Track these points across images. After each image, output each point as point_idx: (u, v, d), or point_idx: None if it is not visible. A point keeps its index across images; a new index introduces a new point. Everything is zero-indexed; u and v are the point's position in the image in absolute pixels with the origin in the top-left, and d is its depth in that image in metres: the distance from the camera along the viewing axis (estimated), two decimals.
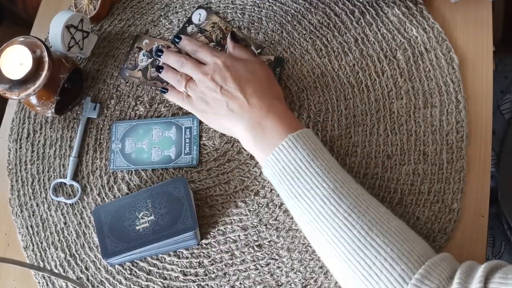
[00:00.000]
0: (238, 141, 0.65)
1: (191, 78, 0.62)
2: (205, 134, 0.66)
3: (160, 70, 0.67)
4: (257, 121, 0.55)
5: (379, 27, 0.65)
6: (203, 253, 0.61)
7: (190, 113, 0.67)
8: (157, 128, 0.68)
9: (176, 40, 0.67)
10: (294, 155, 0.51)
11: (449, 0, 0.63)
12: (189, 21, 0.72)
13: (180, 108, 0.68)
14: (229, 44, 0.66)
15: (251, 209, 0.62)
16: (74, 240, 0.66)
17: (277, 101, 0.58)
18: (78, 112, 0.72)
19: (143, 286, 0.62)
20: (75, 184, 0.68)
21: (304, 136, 0.53)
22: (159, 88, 0.68)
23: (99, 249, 0.61)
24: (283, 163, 0.52)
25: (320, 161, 0.51)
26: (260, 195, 0.62)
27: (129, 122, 0.69)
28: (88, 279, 0.64)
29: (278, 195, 0.61)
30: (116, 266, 0.63)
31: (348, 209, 0.48)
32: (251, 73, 0.59)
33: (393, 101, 0.62)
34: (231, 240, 0.61)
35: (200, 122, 0.67)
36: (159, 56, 0.67)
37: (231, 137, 0.65)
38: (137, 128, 0.68)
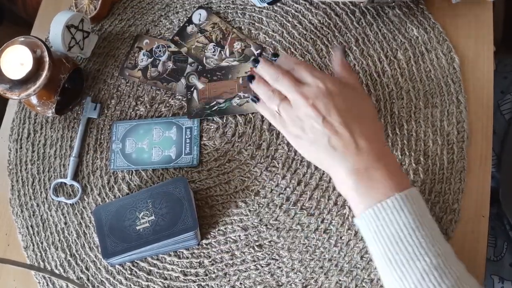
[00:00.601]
0: (239, 141, 0.65)
1: (285, 97, 0.53)
2: (205, 134, 0.66)
3: (252, 81, 0.57)
4: (364, 167, 0.49)
5: (379, 27, 0.65)
6: (204, 253, 0.61)
7: None
8: (158, 128, 0.68)
9: (273, 58, 0.58)
10: (398, 217, 0.46)
11: (450, 1, 0.63)
12: (189, 21, 0.72)
13: (181, 108, 0.68)
14: (336, 60, 0.56)
15: (252, 209, 0.62)
16: (75, 240, 0.66)
17: (387, 149, 0.52)
18: (79, 112, 0.72)
19: (144, 286, 0.62)
20: (75, 184, 0.68)
21: (411, 198, 0.47)
22: (250, 97, 0.59)
23: (100, 249, 0.61)
24: (383, 222, 0.47)
25: (425, 230, 0.46)
26: (261, 195, 0.62)
27: (129, 122, 0.69)
28: (88, 279, 0.63)
29: (279, 195, 0.61)
30: (117, 266, 0.63)
31: None
32: (359, 107, 0.52)
33: (393, 101, 0.62)
34: (231, 240, 0.61)
35: (201, 122, 0.67)
36: (255, 67, 0.57)
37: (232, 137, 0.65)
38: (137, 128, 0.68)
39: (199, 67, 0.70)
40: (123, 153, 0.68)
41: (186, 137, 0.66)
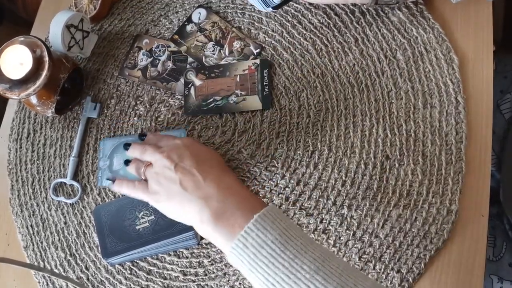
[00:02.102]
0: (238, 141, 0.65)
1: (151, 163, 0.57)
2: (204, 134, 0.66)
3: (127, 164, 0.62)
4: (216, 200, 0.50)
5: (379, 27, 0.65)
6: (203, 253, 0.62)
7: (179, 125, 0.67)
8: None
9: (142, 138, 0.63)
10: (264, 237, 0.46)
11: (450, 0, 0.63)
12: (189, 20, 0.72)
13: (180, 108, 0.68)
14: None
15: None
16: (74, 239, 0.66)
17: (236, 182, 0.54)
18: (78, 112, 0.72)
19: (143, 286, 0.62)
20: (75, 183, 0.68)
21: (272, 215, 0.47)
22: (109, 179, 0.63)
23: (99, 249, 0.61)
24: (252, 249, 0.46)
25: (295, 241, 0.46)
26: (260, 195, 0.62)
27: (117, 139, 0.67)
28: (88, 279, 0.64)
29: (278, 195, 0.61)
30: (116, 265, 0.63)
31: None
32: (211, 155, 0.57)
33: (392, 101, 0.62)
34: None
35: (200, 121, 0.67)
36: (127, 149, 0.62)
37: (231, 136, 0.65)
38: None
39: (198, 65, 0.70)
40: (110, 170, 0.65)
41: None
